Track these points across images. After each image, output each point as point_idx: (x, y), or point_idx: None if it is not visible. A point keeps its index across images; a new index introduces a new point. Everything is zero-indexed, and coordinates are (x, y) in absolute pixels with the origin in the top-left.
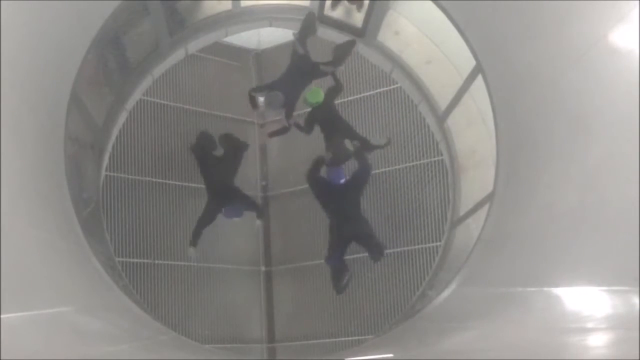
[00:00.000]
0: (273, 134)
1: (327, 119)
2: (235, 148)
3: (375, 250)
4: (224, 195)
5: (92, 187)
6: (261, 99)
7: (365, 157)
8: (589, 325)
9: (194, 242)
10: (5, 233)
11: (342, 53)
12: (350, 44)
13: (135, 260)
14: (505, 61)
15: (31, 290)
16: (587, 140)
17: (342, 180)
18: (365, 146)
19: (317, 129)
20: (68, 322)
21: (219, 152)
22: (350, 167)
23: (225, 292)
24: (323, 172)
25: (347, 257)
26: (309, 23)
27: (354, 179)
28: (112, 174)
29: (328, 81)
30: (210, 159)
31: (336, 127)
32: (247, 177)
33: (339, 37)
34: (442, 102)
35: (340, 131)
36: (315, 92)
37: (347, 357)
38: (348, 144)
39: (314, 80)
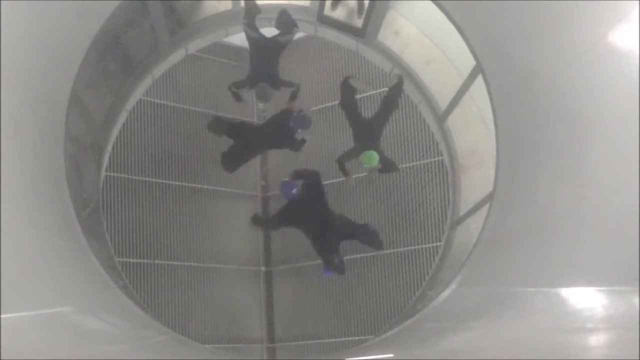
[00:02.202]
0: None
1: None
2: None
3: (370, 240)
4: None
5: (92, 187)
6: (241, 94)
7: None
8: (589, 325)
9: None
10: (5, 233)
11: (284, 20)
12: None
13: (135, 260)
14: (505, 61)
15: (31, 290)
16: (587, 140)
17: (294, 191)
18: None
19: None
20: (68, 322)
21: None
22: None
23: (225, 292)
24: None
25: (348, 257)
26: (250, 6)
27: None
28: (112, 174)
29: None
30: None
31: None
32: (247, 177)
33: (339, 37)
34: (442, 102)
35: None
36: (370, 157)
37: (347, 357)
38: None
39: (281, 52)
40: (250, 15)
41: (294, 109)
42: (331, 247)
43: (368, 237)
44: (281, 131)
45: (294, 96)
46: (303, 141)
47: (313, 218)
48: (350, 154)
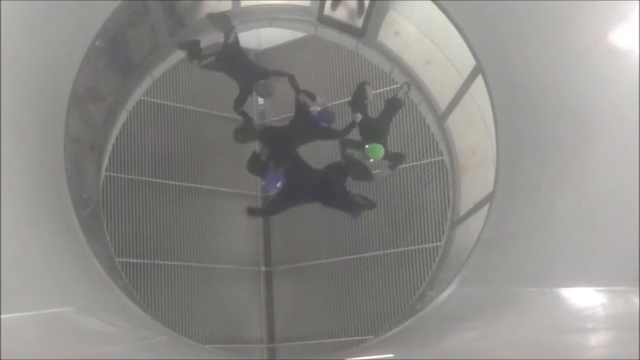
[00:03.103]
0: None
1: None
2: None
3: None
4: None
5: (92, 187)
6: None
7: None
8: (589, 325)
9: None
10: (5, 233)
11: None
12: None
13: (135, 260)
14: (505, 61)
15: (31, 290)
16: (587, 140)
17: (279, 185)
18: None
19: None
20: (68, 322)
21: None
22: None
23: (225, 292)
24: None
25: (348, 257)
26: (220, 21)
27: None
28: (112, 174)
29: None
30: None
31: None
32: (247, 177)
33: (339, 37)
34: (442, 102)
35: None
36: (375, 149)
37: (347, 357)
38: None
39: (247, 54)
40: (225, 30)
41: (311, 101)
42: (342, 194)
43: (358, 169)
44: (310, 128)
45: (295, 85)
46: (352, 125)
47: (306, 186)
48: (355, 143)
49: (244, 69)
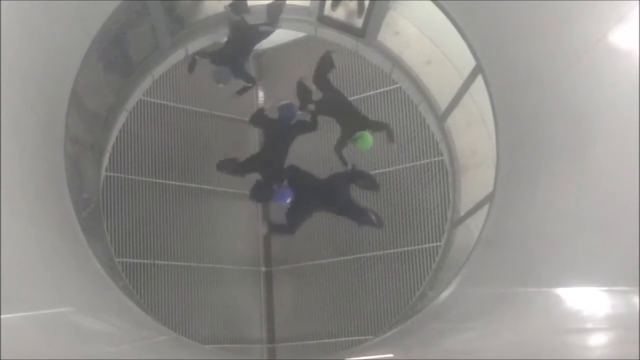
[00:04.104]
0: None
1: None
2: None
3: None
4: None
5: (92, 187)
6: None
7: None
8: (589, 325)
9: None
10: (5, 233)
11: (274, 12)
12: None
13: (135, 260)
14: (505, 61)
15: (31, 290)
16: (587, 141)
17: (289, 200)
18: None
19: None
20: (68, 322)
21: None
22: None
23: (225, 293)
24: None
25: (348, 257)
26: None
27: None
28: (112, 174)
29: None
30: None
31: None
32: (247, 177)
33: (339, 37)
34: (442, 102)
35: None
36: (364, 140)
37: (347, 357)
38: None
39: (257, 43)
40: (238, 13)
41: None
42: (347, 204)
43: (364, 180)
44: (283, 135)
45: (242, 91)
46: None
47: (314, 197)
48: (342, 140)
49: (239, 46)
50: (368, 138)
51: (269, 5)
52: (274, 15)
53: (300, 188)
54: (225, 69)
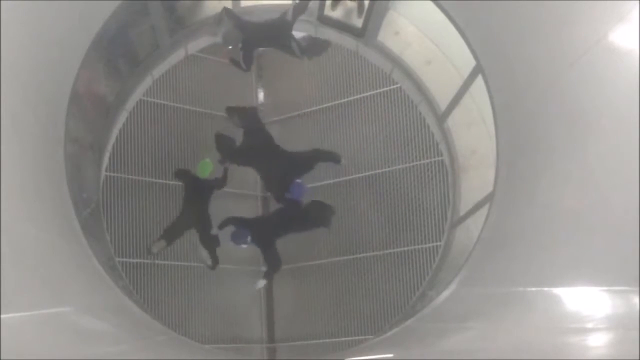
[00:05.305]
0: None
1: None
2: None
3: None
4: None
5: (92, 187)
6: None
7: None
8: (589, 325)
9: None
10: (5, 233)
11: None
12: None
13: (135, 260)
14: (505, 61)
15: (31, 290)
16: (587, 141)
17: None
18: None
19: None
20: (68, 322)
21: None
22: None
23: (225, 292)
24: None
25: (348, 257)
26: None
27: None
28: (112, 174)
29: None
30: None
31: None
32: (247, 177)
33: (339, 38)
34: (442, 102)
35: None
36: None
37: (347, 357)
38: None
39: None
40: (296, 15)
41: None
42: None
43: (327, 156)
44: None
45: (233, 62)
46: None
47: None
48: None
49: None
50: (207, 165)
51: (295, 4)
52: (296, 15)
53: (252, 226)
54: (237, 32)
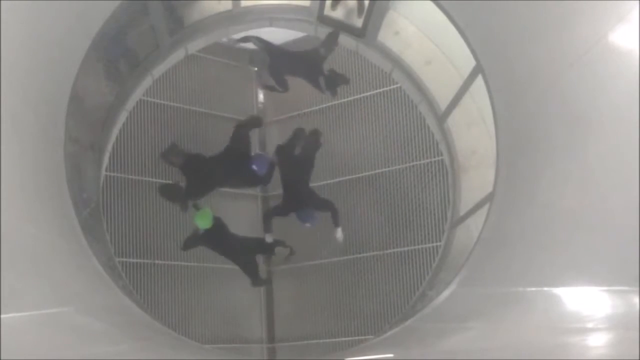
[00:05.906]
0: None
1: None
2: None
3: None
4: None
5: (92, 187)
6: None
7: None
8: (589, 325)
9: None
10: (5, 233)
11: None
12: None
13: (135, 260)
14: (505, 61)
15: (31, 290)
16: (587, 141)
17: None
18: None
19: None
20: (68, 322)
21: None
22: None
23: (225, 292)
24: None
25: (348, 257)
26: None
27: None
28: (112, 174)
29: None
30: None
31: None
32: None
33: (339, 38)
34: (442, 102)
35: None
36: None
37: (347, 357)
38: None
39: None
40: (329, 51)
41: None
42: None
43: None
44: (240, 167)
45: (270, 88)
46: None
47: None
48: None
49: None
50: (207, 215)
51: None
52: (330, 44)
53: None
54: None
